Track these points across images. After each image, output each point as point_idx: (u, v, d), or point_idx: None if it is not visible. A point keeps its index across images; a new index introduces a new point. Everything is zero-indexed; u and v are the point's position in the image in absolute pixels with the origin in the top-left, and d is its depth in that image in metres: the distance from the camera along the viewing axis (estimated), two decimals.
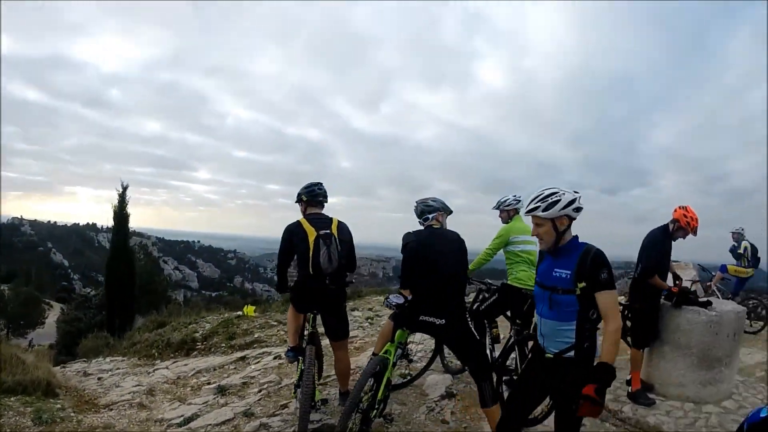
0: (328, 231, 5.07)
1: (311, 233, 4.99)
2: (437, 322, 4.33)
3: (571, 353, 3.21)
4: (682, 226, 5.81)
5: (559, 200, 3.29)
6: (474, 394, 5.14)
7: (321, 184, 5.41)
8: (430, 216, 4.82)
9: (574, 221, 3.38)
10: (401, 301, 4.44)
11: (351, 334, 9.25)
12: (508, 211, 6.35)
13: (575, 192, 3.36)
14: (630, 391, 5.80)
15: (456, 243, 4.66)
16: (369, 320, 11.52)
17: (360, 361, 7.26)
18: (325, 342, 5.73)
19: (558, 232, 3.34)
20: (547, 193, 3.35)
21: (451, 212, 5.05)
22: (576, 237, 3.39)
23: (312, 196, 5.32)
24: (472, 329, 4.66)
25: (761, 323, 10.44)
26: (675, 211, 5.91)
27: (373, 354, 4.78)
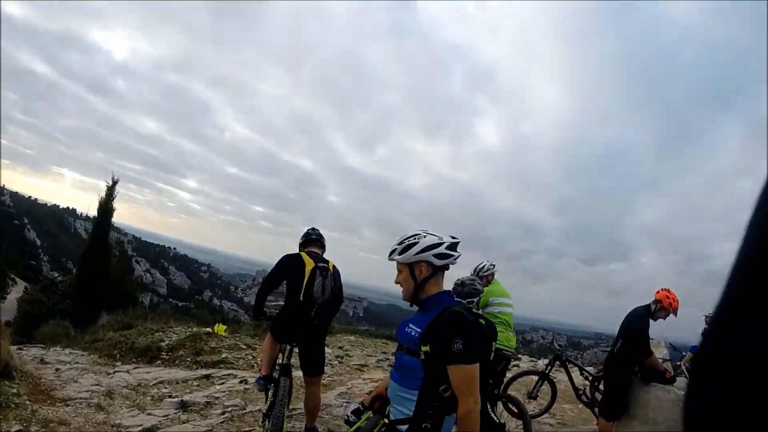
0: (326, 265, 5.12)
1: (309, 264, 5.10)
2: None
3: (404, 427, 2.73)
4: (664, 306, 5.94)
5: (416, 243, 2.85)
6: None
7: (314, 228, 5.68)
8: (475, 300, 4.97)
9: (445, 271, 2.92)
10: None
11: None
12: (486, 276, 6.69)
13: (452, 237, 2.91)
14: None
15: (492, 336, 4.65)
16: (339, 358, 11.37)
17: (327, 398, 7.14)
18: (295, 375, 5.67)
19: (416, 280, 2.86)
20: (409, 234, 2.93)
21: None
22: (445, 292, 2.89)
23: (306, 237, 5.57)
24: (492, 414, 4.59)
25: None
26: (658, 292, 6.04)
27: (362, 405, 4.66)
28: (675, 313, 6.02)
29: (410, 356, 2.75)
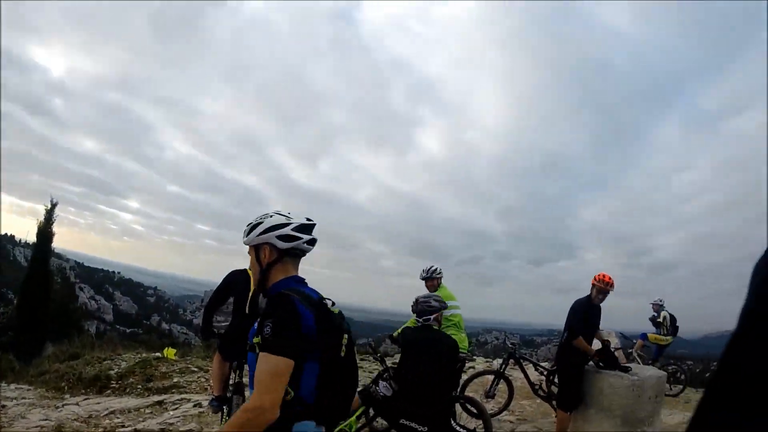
0: None
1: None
2: (419, 429, 4.26)
3: None
4: (597, 287, 6.29)
5: (260, 223, 2.60)
6: None
7: None
8: (432, 317, 4.85)
9: (300, 257, 2.68)
10: (389, 393, 4.44)
11: None
12: (437, 279, 7.11)
13: (308, 219, 2.68)
14: None
15: (450, 349, 4.65)
16: None
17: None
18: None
19: (261, 265, 2.60)
20: (258, 216, 2.67)
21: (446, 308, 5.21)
22: (292, 278, 2.61)
23: None
24: (455, 427, 4.65)
25: (680, 386, 11.10)
26: (593, 278, 6.40)
27: None
28: (609, 287, 6.30)
29: (251, 352, 2.48)
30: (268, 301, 2.43)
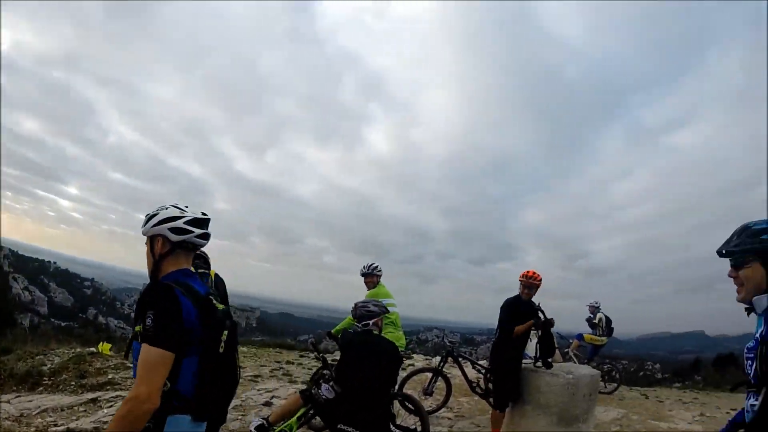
0: (207, 272, 5.15)
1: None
2: None
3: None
4: (521, 281, 6.58)
5: (156, 215, 2.66)
6: None
7: None
8: (371, 322, 4.83)
9: (194, 251, 2.75)
10: (332, 396, 4.42)
11: None
12: (377, 276, 7.30)
13: (203, 214, 2.74)
14: None
15: (390, 354, 4.67)
16: None
17: None
18: None
19: (154, 256, 2.65)
20: (156, 208, 2.73)
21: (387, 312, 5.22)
22: (181, 271, 2.66)
23: None
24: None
25: (615, 384, 11.69)
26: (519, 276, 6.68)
27: (266, 420, 4.65)
28: (535, 281, 6.54)
29: (135, 341, 2.49)
30: (152, 291, 2.46)
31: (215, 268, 5.46)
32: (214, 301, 2.61)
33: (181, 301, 2.41)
